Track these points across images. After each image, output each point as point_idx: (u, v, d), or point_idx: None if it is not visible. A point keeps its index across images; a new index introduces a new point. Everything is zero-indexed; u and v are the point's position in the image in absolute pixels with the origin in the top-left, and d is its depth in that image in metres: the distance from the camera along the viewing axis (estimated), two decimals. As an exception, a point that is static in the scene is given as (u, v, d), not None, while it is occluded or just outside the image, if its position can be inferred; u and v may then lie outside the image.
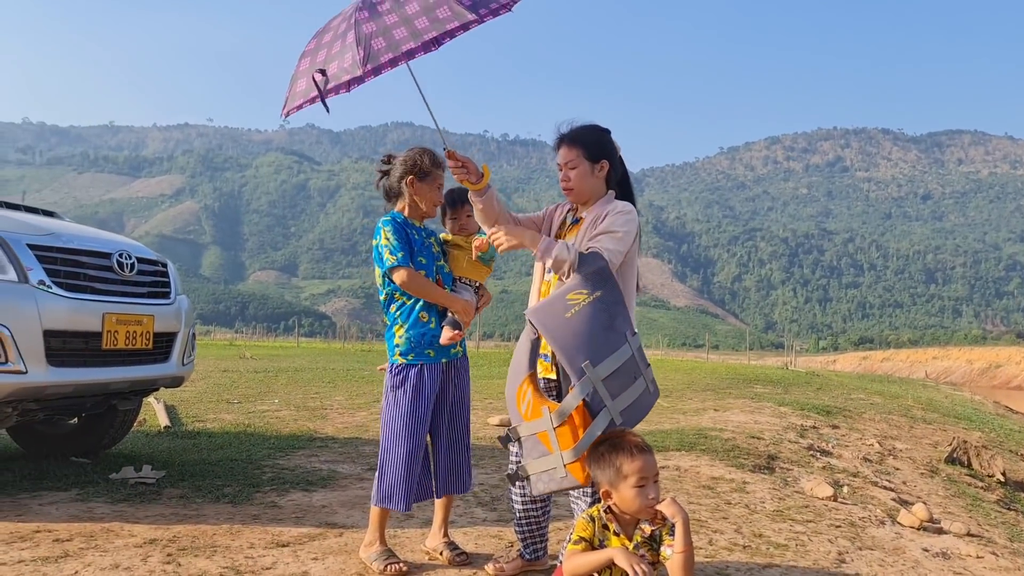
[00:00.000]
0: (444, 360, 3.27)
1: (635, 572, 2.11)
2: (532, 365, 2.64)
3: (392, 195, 3.37)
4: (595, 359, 2.49)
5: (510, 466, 2.93)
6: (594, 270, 2.62)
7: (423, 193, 3.30)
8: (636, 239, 2.85)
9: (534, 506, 3.06)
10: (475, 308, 3.38)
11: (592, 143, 2.90)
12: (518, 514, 3.09)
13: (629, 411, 2.54)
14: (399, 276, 3.16)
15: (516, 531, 3.13)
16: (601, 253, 2.68)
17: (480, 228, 3.47)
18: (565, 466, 2.48)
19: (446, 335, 3.19)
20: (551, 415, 2.49)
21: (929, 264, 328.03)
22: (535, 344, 2.65)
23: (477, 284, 3.44)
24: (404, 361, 3.22)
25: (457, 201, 3.43)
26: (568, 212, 3.05)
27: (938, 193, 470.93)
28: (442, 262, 3.37)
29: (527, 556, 3.13)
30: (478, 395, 10.48)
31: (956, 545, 4.17)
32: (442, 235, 3.51)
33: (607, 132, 2.96)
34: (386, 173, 3.39)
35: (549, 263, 2.69)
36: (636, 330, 2.69)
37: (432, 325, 3.23)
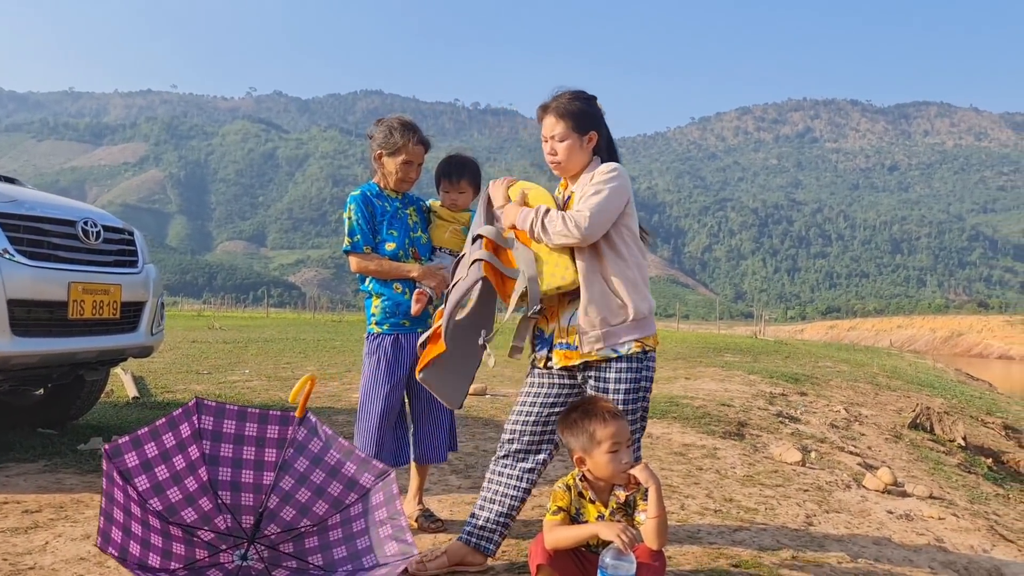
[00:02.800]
0: (420, 330, 3.28)
1: (622, 540, 2.13)
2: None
3: (372, 162, 3.37)
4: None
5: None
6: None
7: (390, 169, 3.31)
8: (629, 201, 2.67)
9: (522, 491, 2.77)
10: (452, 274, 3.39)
11: (581, 114, 2.69)
12: (499, 497, 2.75)
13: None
14: (351, 263, 3.27)
15: (483, 518, 2.76)
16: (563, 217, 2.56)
17: (469, 207, 3.45)
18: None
19: (414, 305, 3.21)
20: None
21: (895, 234, 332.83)
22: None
23: (458, 252, 3.43)
24: (380, 330, 3.27)
25: (453, 175, 3.39)
26: (564, 192, 2.79)
27: (904, 164, 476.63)
28: (419, 233, 3.37)
29: (488, 549, 2.77)
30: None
31: (919, 507, 4.27)
32: (430, 202, 3.49)
33: (593, 99, 2.77)
34: (372, 139, 3.37)
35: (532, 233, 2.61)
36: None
37: (406, 296, 3.26)
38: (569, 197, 2.73)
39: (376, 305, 3.29)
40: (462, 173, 3.39)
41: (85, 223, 4.31)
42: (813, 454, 5.54)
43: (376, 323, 3.28)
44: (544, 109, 2.74)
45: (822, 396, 9.54)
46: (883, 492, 4.60)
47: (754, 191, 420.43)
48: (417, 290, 3.24)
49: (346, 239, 3.28)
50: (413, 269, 3.25)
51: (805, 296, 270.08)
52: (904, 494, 4.65)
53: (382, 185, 3.35)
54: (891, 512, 4.10)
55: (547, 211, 2.60)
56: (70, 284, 4.08)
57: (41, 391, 5.33)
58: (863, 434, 7.27)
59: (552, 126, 2.69)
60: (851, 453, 6.01)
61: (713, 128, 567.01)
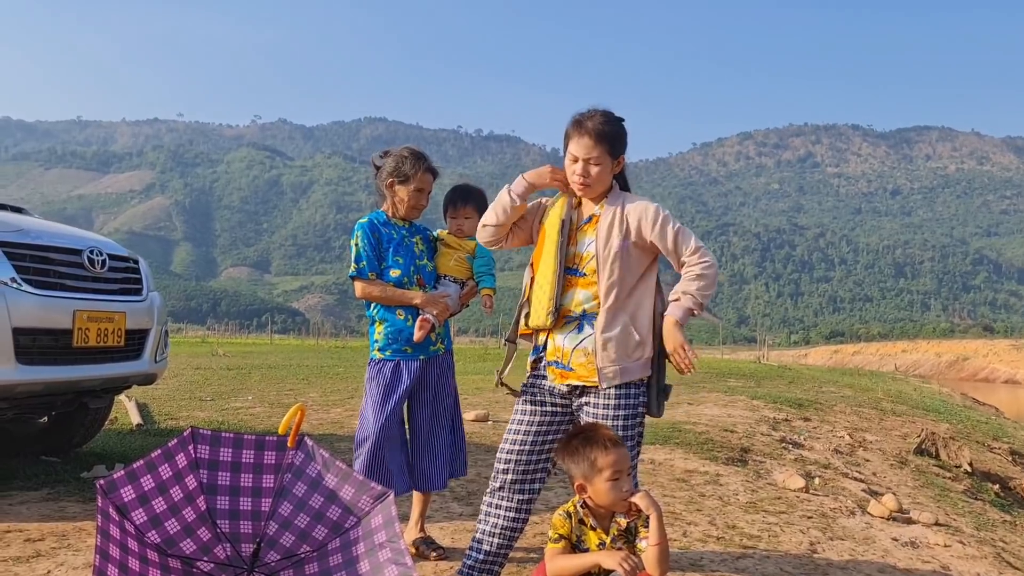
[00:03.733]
0: (422, 357, 3.31)
1: (624, 569, 2.13)
2: None
3: (380, 193, 3.43)
4: None
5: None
6: None
7: (402, 197, 3.37)
8: None
9: (520, 522, 2.75)
10: (458, 301, 3.43)
11: (616, 138, 2.65)
12: (499, 530, 2.72)
13: None
14: (356, 288, 3.32)
15: (484, 551, 2.72)
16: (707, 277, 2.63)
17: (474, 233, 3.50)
18: None
19: (417, 332, 3.24)
20: None
21: (898, 258, 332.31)
22: None
23: (463, 280, 3.47)
24: (382, 356, 3.30)
25: (459, 201, 3.47)
26: (572, 210, 2.75)
27: (907, 188, 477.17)
28: (424, 261, 3.42)
29: None
30: (453, 391, 10.47)
31: (924, 534, 4.25)
32: (438, 232, 3.55)
33: (623, 121, 2.72)
34: (379, 169, 3.43)
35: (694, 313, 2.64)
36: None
37: (409, 323, 3.30)
38: (591, 218, 2.71)
39: (379, 331, 3.33)
40: (467, 199, 3.46)
41: (91, 252, 4.35)
42: (817, 480, 5.52)
43: (379, 349, 3.32)
44: (580, 128, 2.64)
45: (826, 421, 9.50)
46: (888, 519, 4.57)
47: (756, 216, 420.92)
48: (420, 317, 3.27)
49: (352, 265, 3.34)
50: (416, 296, 3.29)
51: (809, 320, 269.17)
52: (909, 521, 4.62)
53: (390, 214, 3.42)
54: (896, 539, 4.08)
55: (696, 289, 2.61)
56: (75, 312, 4.11)
57: (45, 419, 5.34)
58: (868, 460, 7.24)
59: (589, 148, 2.61)
60: (855, 479, 5.98)
61: (715, 153, 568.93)
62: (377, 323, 3.35)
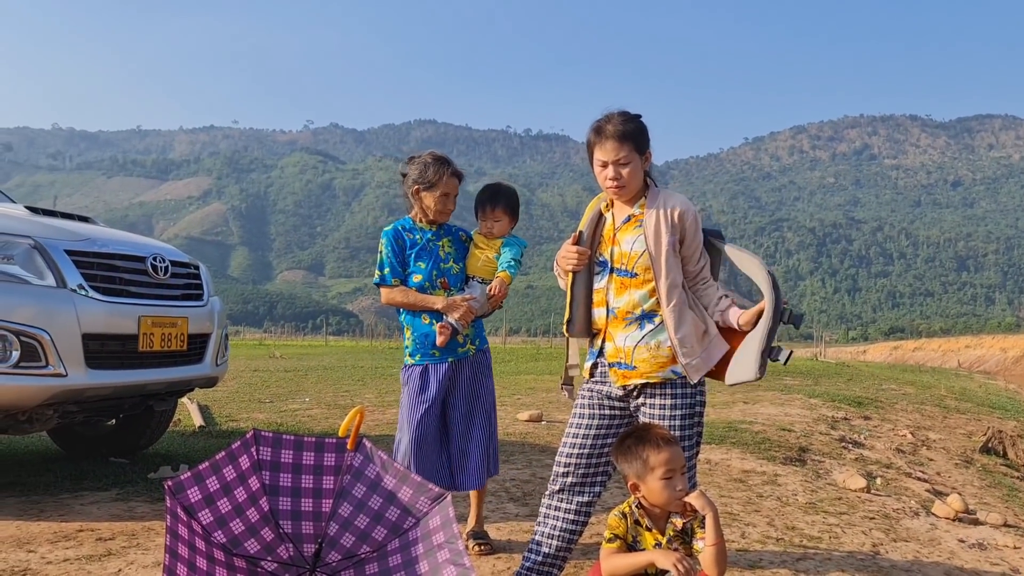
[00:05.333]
0: (451, 359, 3.35)
1: (678, 570, 2.12)
2: None
3: (408, 199, 3.47)
4: None
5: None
6: None
7: (428, 203, 3.40)
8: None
9: (580, 524, 2.73)
10: (487, 302, 3.41)
11: (639, 134, 2.67)
12: (558, 532, 2.71)
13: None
14: (381, 295, 3.40)
15: (543, 554, 2.71)
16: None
17: (506, 235, 3.49)
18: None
19: (438, 338, 3.29)
20: None
21: (960, 251, 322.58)
22: None
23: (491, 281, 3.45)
24: (412, 361, 3.39)
25: (487, 203, 3.45)
26: (608, 212, 2.77)
27: (968, 179, 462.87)
28: (450, 263, 3.43)
29: None
30: (506, 391, 10.52)
31: (992, 536, 4.13)
32: (474, 231, 3.56)
33: (640, 118, 2.73)
34: (405, 177, 3.47)
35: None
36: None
37: (433, 327, 3.34)
38: (630, 218, 2.70)
39: (408, 336, 3.41)
40: (496, 201, 3.44)
41: (154, 259, 4.48)
42: (879, 480, 5.40)
43: (409, 354, 3.40)
44: (601, 134, 2.65)
45: (887, 420, 9.29)
46: (954, 520, 4.46)
47: (811, 210, 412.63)
48: (440, 323, 3.30)
49: (376, 272, 3.42)
50: (437, 301, 3.31)
51: (867, 316, 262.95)
52: (976, 522, 4.50)
53: (417, 219, 3.46)
54: (963, 541, 3.97)
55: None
56: (140, 318, 4.24)
57: (113, 421, 5.51)
58: (931, 459, 7.06)
59: (616, 150, 2.62)
60: (919, 479, 5.84)
61: (767, 148, 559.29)
62: (406, 328, 3.42)
